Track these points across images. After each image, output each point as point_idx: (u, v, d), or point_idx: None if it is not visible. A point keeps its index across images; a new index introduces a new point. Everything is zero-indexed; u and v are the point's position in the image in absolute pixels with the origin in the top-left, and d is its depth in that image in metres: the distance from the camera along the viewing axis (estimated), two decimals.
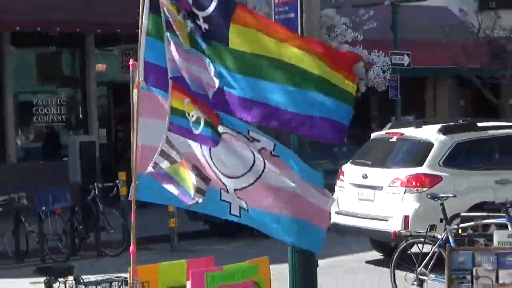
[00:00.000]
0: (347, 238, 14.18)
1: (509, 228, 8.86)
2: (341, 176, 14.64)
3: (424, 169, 13.49)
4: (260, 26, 7.25)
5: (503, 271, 6.08)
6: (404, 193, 12.96)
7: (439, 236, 10.38)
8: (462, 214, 11.21)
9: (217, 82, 7.13)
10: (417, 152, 14.20)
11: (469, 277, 6.18)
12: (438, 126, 14.36)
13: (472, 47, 26.84)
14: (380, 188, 13.63)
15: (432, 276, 10.17)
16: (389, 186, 13.47)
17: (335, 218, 13.58)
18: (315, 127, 7.13)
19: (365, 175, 14.10)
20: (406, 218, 11.36)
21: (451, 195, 11.49)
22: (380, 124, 28.20)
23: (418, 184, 13.22)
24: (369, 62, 21.66)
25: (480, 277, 6.13)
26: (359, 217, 13.66)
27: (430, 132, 14.26)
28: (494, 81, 27.42)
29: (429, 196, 12.02)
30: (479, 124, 14.70)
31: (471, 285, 6.16)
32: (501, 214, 9.86)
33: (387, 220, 12.69)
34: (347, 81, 7.03)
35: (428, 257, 10.41)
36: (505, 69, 26.84)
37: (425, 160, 13.62)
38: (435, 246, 10.29)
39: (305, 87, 7.11)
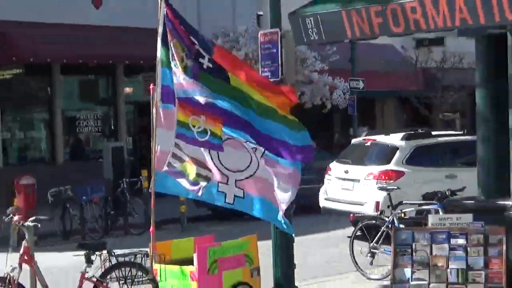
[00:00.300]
0: (333, 218, 14.31)
1: (440, 212, 8.84)
2: (328, 171, 14.92)
3: (391, 166, 13.77)
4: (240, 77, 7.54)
5: (435, 245, 6.06)
6: (376, 184, 13.06)
7: (386, 219, 10.37)
8: (404, 202, 11.18)
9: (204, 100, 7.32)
10: (386, 154, 14.40)
11: (409, 250, 6.16)
12: (402, 134, 14.77)
13: (411, 75, 27.01)
14: (358, 180, 13.86)
15: (382, 249, 10.16)
16: (364, 179, 13.71)
17: (324, 203, 14.51)
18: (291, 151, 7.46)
19: (347, 170, 14.34)
20: (377, 203, 11.41)
21: (395, 187, 11.55)
22: (341, 133, 28.26)
23: (386, 177, 13.45)
24: (333, 86, 21.70)
25: (418, 251, 6.11)
26: (342, 202, 13.85)
27: (395, 139, 14.58)
28: (428, 101, 27.55)
29: (379, 188, 12.07)
30: (433, 133, 15.38)
31: (411, 257, 6.14)
32: (434, 202, 9.85)
33: (363, 205, 12.88)
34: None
35: (378, 234, 10.40)
36: (435, 91, 26.98)
37: (392, 160, 13.92)
38: (384, 226, 10.28)
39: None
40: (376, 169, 13.91)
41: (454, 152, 14.34)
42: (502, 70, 5.94)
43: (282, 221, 7.52)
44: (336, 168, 14.83)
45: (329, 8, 5.27)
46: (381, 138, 15.10)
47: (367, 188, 13.29)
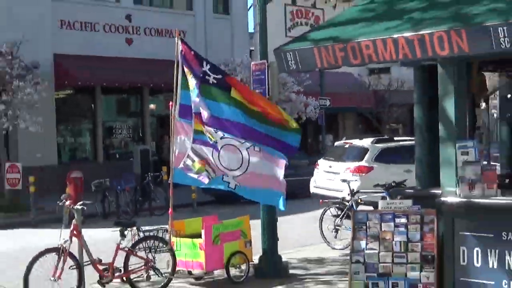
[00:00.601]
0: (317, 201, 14.12)
1: (387, 198, 8.83)
2: (317, 166, 15.08)
3: (363, 163, 13.91)
4: (242, 94, 7.63)
5: (383, 223, 6.06)
6: (352, 176, 13.11)
7: (347, 203, 10.37)
8: (360, 190, 11.16)
9: (207, 111, 7.40)
10: (360, 153, 14.42)
11: (364, 227, 6.15)
12: (371, 139, 15.10)
13: (365, 96, 27.06)
14: (338, 173, 13.88)
15: (343, 226, 10.16)
16: (343, 172, 13.75)
17: (314, 190, 14.58)
18: (278, 145, 7.61)
19: (331, 166, 14.48)
20: (352, 190, 11.14)
21: (354, 179, 11.57)
22: (313, 139, 28.20)
23: (359, 171, 13.60)
24: (306, 104, 21.68)
25: (371, 227, 6.11)
26: (327, 189, 13.69)
27: (367, 142, 14.74)
28: (378, 115, 27.62)
29: (341, 179, 12.05)
30: (395, 138, 15.79)
31: (366, 232, 6.13)
32: (383, 190, 9.85)
33: (341, 191, 12.51)
34: (290, 125, 7.70)
35: (341, 215, 10.41)
36: (384, 108, 27.10)
37: (364, 158, 14.01)
38: (345, 209, 10.28)
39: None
40: (352, 165, 13.98)
41: (411, 152, 14.26)
42: (434, 94, 5.97)
43: (279, 199, 7.60)
44: (322, 164, 14.94)
45: (304, 45, 5.28)
46: (356, 142, 15.22)
47: (345, 179, 13.30)
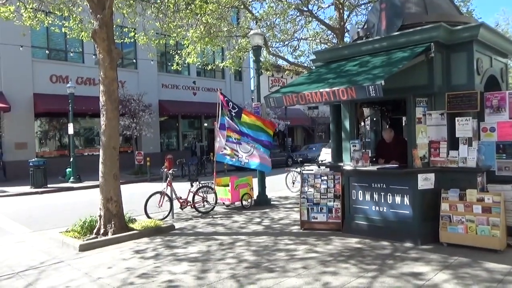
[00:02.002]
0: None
1: (317, 167, 8.75)
2: (321, 150, 15.02)
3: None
4: (249, 117, 7.41)
5: (316, 179, 6.02)
6: (325, 155, 13.10)
7: (298, 169, 10.30)
8: (305, 164, 11.03)
9: (235, 127, 7.24)
10: (329, 146, 14.35)
11: (307, 181, 6.12)
12: (327, 143, 15.26)
13: (306, 119, 26.79)
14: (319, 154, 14.13)
15: (297, 180, 10.10)
16: (324, 153, 13.65)
17: (320, 161, 14.03)
18: (264, 143, 7.44)
19: (326, 150, 14.11)
20: (302, 164, 10.89)
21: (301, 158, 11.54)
22: (282, 140, 27.72)
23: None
24: (279, 123, 21.62)
25: (309, 180, 6.08)
26: (323, 160, 13.53)
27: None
28: (313, 129, 27.39)
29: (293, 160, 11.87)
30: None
31: (307, 183, 6.07)
32: (314, 164, 9.75)
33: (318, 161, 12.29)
34: (270, 130, 7.35)
35: (296, 175, 10.32)
36: (316, 125, 26.96)
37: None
38: (298, 172, 10.19)
39: (263, 132, 7.34)
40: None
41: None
42: (339, 118, 5.97)
43: (266, 168, 7.51)
44: (323, 150, 14.63)
45: (277, 95, 5.28)
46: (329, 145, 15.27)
47: (326, 156, 13.29)
